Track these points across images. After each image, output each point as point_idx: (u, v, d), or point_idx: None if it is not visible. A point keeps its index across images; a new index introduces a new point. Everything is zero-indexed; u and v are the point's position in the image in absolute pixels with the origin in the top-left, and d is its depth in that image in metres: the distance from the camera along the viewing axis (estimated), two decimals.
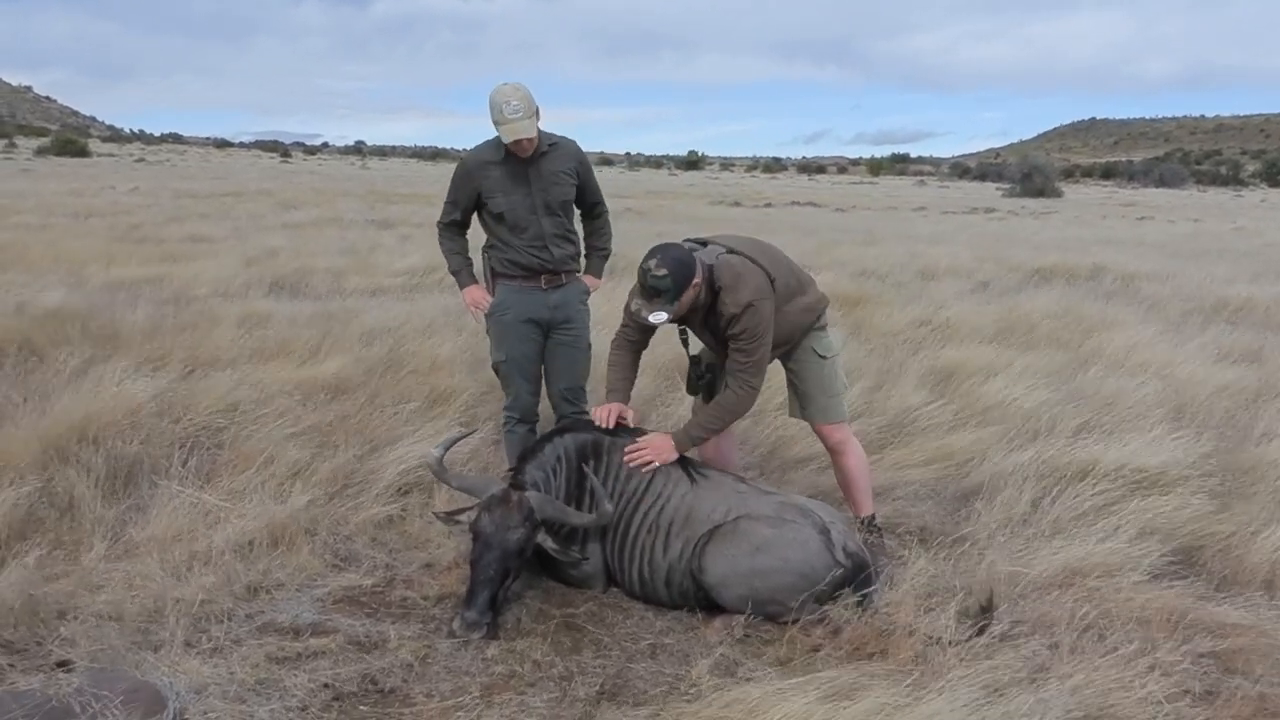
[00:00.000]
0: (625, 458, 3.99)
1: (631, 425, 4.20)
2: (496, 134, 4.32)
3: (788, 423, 5.50)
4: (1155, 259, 15.62)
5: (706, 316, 4.08)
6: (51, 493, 4.32)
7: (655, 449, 4.00)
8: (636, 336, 4.28)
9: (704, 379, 4.39)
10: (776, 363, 4.40)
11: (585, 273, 4.85)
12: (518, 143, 4.27)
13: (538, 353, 4.69)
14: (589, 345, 4.80)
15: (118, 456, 4.59)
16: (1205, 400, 6.51)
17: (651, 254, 3.85)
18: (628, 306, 4.11)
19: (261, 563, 3.90)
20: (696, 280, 3.89)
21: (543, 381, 4.81)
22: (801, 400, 4.42)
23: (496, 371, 4.78)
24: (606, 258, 4.94)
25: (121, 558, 3.89)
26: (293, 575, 3.88)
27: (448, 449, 4.03)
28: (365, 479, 4.71)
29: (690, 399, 4.66)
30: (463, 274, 4.82)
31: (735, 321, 3.93)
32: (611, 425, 4.10)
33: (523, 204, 4.47)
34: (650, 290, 3.83)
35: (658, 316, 3.88)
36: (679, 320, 4.11)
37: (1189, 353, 7.92)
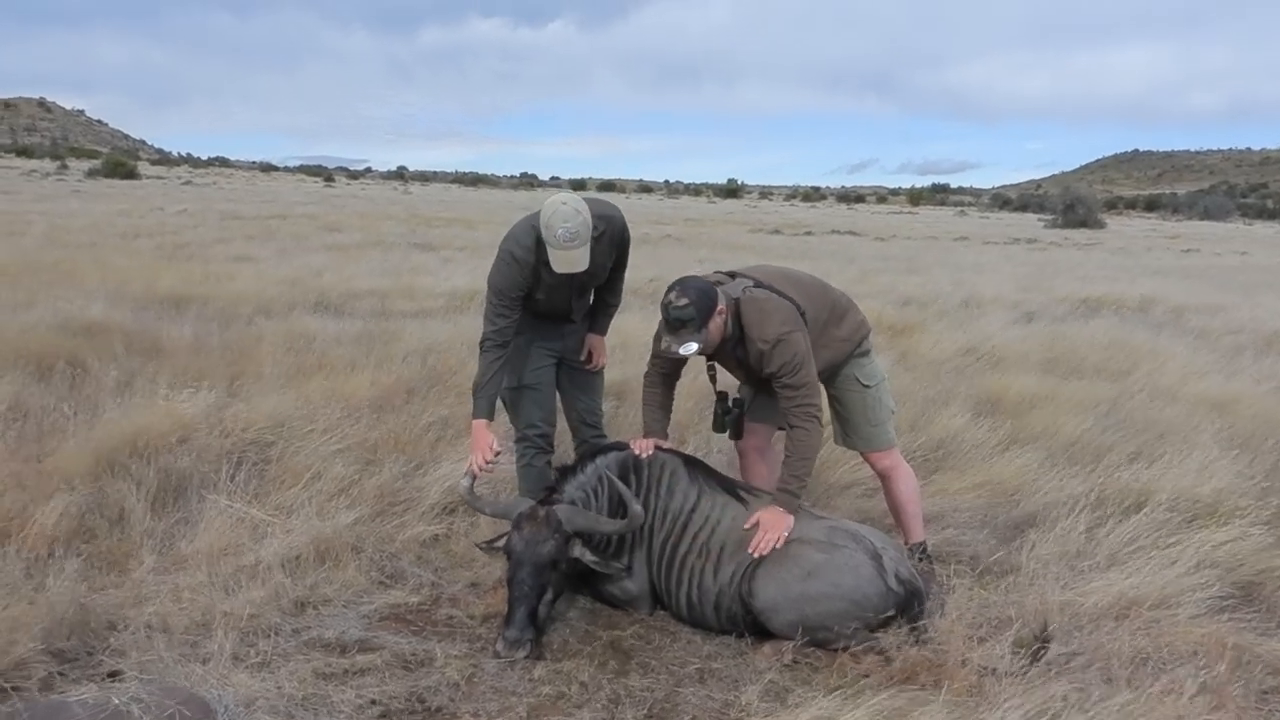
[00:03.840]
0: (751, 550, 3.72)
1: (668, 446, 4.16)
2: (533, 219, 4.07)
3: (831, 447, 5.44)
4: (1204, 291, 15.41)
5: (735, 349, 4.04)
6: (102, 504, 4.36)
7: (773, 524, 3.75)
8: (668, 369, 4.24)
9: (730, 414, 4.32)
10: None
11: (591, 330, 4.59)
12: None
13: (553, 379, 4.50)
14: (602, 366, 4.68)
15: (167, 470, 4.64)
16: (1261, 432, 6.38)
17: (670, 288, 3.83)
18: (657, 337, 4.08)
19: (309, 578, 3.91)
20: (720, 308, 3.85)
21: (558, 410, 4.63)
22: (845, 428, 4.37)
23: (504, 400, 4.45)
24: (612, 315, 4.67)
25: (170, 570, 3.91)
26: (339, 591, 3.89)
27: (476, 477, 4.04)
28: (411, 497, 4.72)
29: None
30: (481, 402, 4.17)
31: (769, 359, 3.87)
32: (650, 454, 4.06)
33: (560, 294, 4.26)
34: (675, 322, 3.78)
35: (688, 348, 3.82)
36: (708, 355, 4.07)
37: (1242, 385, 7.78)
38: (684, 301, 3.75)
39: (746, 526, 3.82)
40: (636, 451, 4.04)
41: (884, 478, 4.39)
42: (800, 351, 3.85)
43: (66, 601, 3.41)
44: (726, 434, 4.40)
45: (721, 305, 3.86)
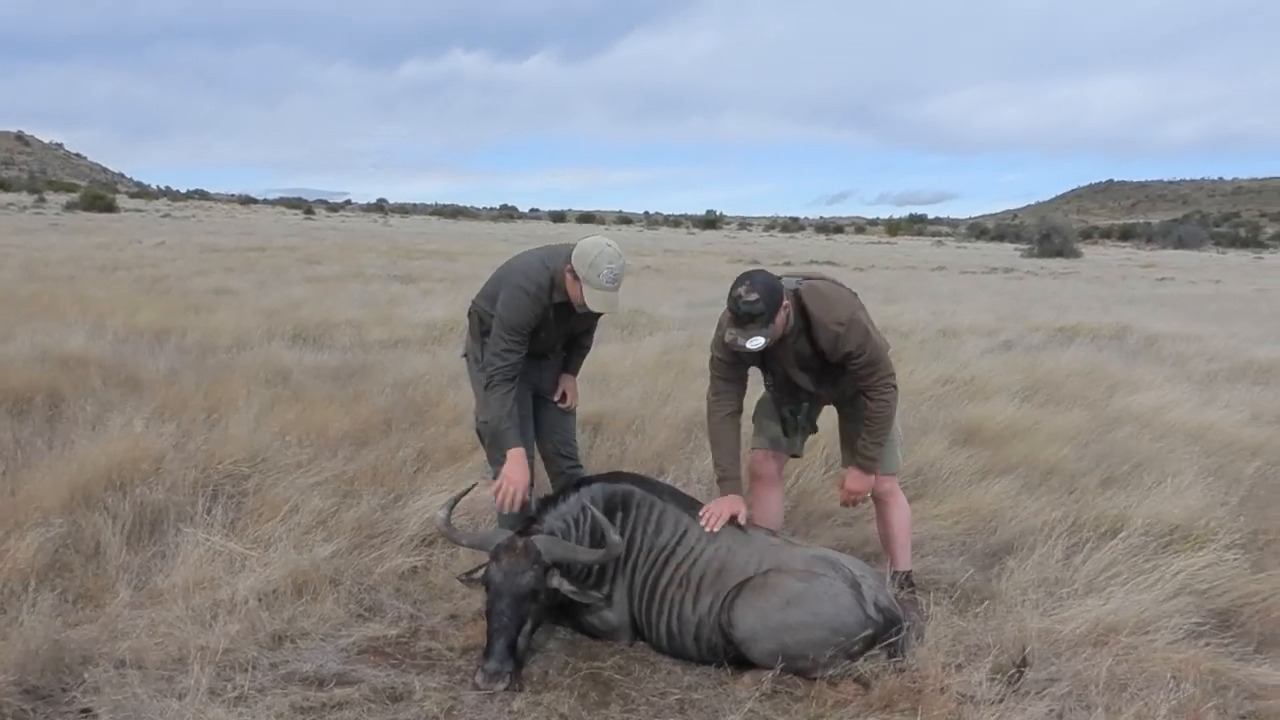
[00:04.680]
0: (843, 501, 4.33)
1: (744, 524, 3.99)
2: (544, 259, 4.17)
3: (812, 475, 5.47)
4: (1179, 319, 15.56)
5: (796, 342, 4.09)
6: (78, 538, 4.31)
7: (858, 484, 4.23)
8: (734, 390, 4.21)
9: (801, 413, 4.38)
10: (830, 410, 4.40)
11: (564, 370, 4.65)
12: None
13: (530, 409, 4.51)
14: (574, 405, 4.73)
15: (143, 503, 4.59)
16: (1236, 460, 6.43)
17: (739, 282, 3.87)
18: (716, 344, 4.13)
19: (286, 611, 3.87)
20: (786, 302, 3.92)
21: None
22: (855, 445, 4.38)
23: (481, 434, 4.52)
24: (585, 356, 4.75)
25: (146, 605, 3.87)
26: (317, 625, 3.84)
27: (453, 508, 4.02)
28: (389, 529, 4.68)
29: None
30: (512, 432, 4.17)
31: (844, 340, 3.97)
32: (718, 528, 3.90)
33: (553, 335, 4.33)
34: (745, 317, 3.82)
35: (755, 342, 3.86)
36: (760, 363, 4.14)
37: (1217, 412, 7.85)
38: (754, 296, 3.80)
39: (846, 499, 4.31)
40: (708, 523, 3.90)
41: (880, 502, 4.42)
42: (869, 328, 4.02)
43: (40, 637, 3.36)
44: (798, 434, 4.47)
45: (786, 300, 3.93)
